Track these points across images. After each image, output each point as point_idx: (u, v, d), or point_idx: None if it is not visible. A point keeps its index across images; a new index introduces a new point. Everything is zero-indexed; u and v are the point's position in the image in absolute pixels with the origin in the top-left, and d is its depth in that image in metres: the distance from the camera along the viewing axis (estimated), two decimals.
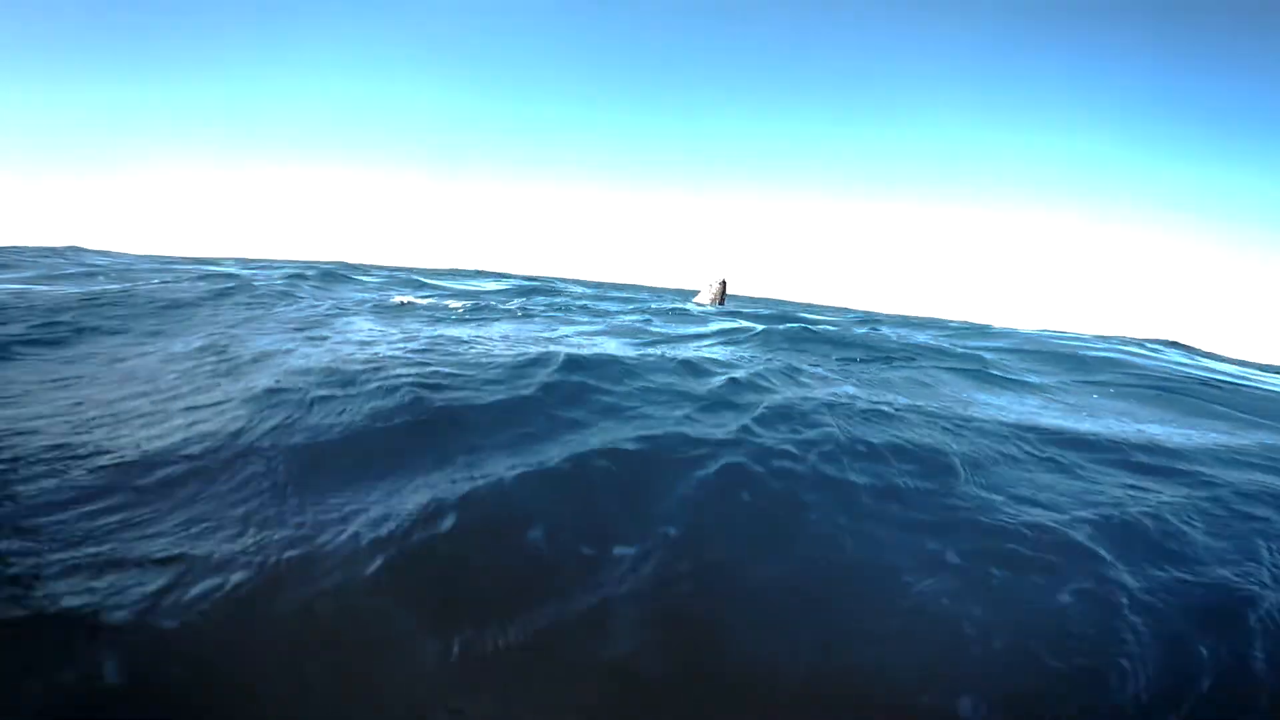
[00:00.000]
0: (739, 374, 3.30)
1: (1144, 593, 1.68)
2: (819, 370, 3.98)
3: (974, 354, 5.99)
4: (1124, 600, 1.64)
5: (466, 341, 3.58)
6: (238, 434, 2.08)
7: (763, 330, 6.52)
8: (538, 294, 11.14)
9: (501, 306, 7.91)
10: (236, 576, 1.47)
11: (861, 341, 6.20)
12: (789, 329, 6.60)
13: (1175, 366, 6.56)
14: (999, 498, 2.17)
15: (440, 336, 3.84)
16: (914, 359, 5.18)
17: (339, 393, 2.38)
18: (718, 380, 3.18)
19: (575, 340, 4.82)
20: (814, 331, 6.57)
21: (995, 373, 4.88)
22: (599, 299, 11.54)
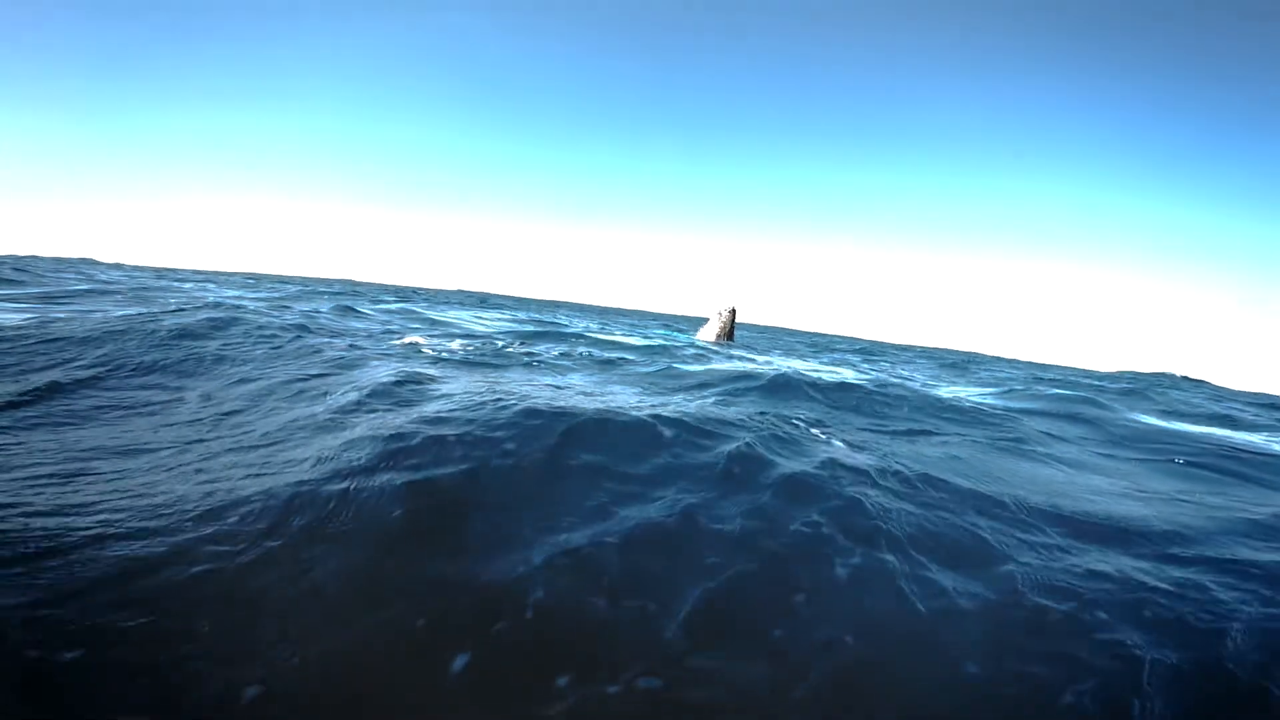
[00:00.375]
0: (753, 442, 3.30)
1: (1170, 698, 1.67)
2: (833, 438, 3.96)
3: (995, 420, 5.96)
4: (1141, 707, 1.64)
5: (478, 400, 3.58)
6: (270, 530, 2.08)
7: (772, 379, 6.54)
8: (543, 337, 11.14)
9: (508, 350, 7.97)
10: (270, 689, 1.47)
11: (876, 402, 6.18)
12: (798, 380, 6.61)
13: (1200, 435, 6.55)
14: (1027, 591, 2.16)
15: (451, 395, 3.84)
16: (931, 432, 5.15)
17: (365, 483, 2.39)
18: (731, 448, 3.17)
19: (582, 388, 4.86)
20: (823, 385, 6.57)
21: (1026, 447, 4.85)
22: (604, 342, 11.54)
